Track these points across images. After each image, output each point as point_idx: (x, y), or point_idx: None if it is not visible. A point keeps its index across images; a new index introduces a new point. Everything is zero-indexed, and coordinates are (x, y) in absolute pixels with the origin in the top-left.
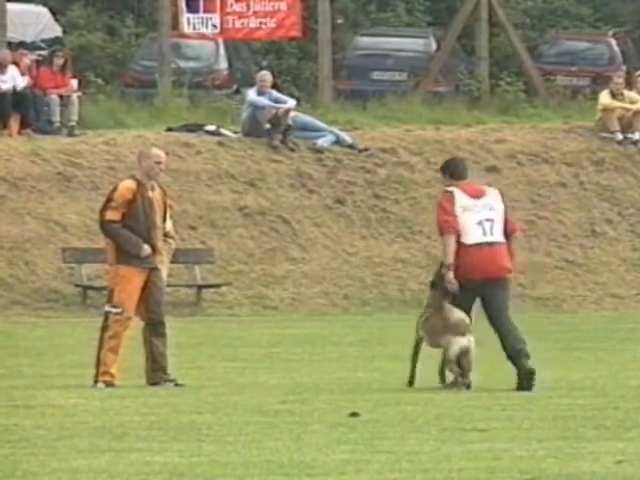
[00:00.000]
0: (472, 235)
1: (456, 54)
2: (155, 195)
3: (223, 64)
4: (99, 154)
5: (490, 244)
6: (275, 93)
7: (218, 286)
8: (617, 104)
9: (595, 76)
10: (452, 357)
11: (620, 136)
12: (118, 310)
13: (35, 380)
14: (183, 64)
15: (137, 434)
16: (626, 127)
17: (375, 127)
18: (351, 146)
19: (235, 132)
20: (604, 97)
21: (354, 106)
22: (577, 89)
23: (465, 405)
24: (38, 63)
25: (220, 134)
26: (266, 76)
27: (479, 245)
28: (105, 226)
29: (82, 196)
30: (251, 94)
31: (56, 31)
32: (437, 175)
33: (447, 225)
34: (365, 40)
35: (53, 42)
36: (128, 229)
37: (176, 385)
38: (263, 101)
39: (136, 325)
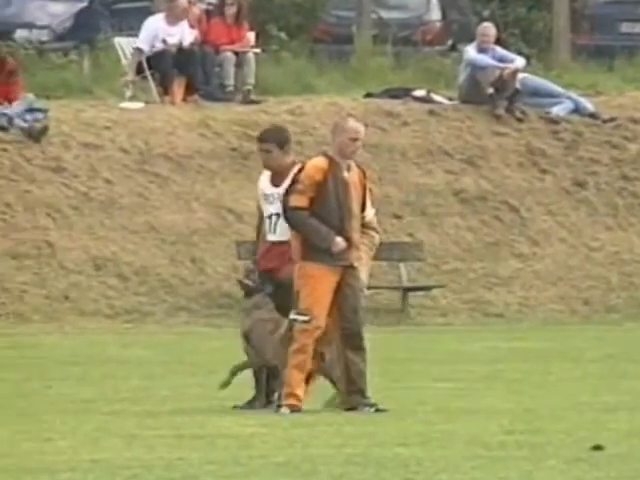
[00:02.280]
0: None
1: None
2: (352, 176)
3: (435, 14)
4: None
5: None
6: (500, 50)
7: (429, 288)
8: None
9: None
10: None
11: None
12: (305, 318)
13: (204, 404)
14: (386, 14)
15: (330, 470)
16: None
17: (623, 92)
18: (593, 115)
19: (450, 98)
20: None
21: (597, 66)
22: None
23: None
24: (208, 14)
25: (431, 101)
26: (489, 29)
27: None
28: (289, 214)
29: None
30: (470, 51)
31: None
32: None
33: None
34: None
35: None
36: (317, 218)
37: (377, 410)
38: (485, 60)
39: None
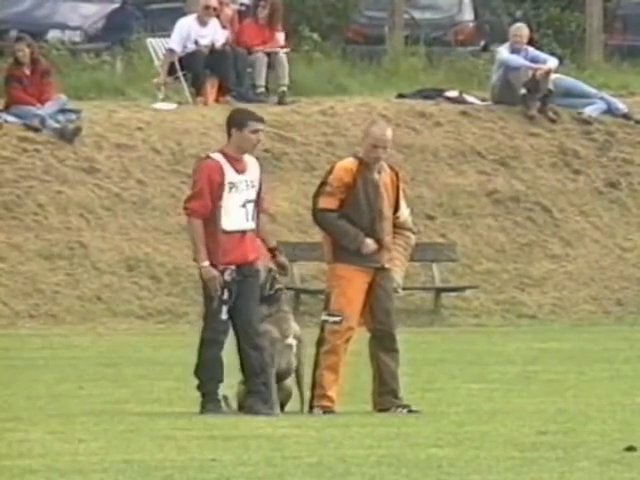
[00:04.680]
0: None
1: None
2: (383, 178)
3: (468, 15)
4: (315, 126)
5: None
6: (532, 51)
7: (462, 289)
8: None
9: None
10: None
11: None
12: (336, 319)
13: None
14: (418, 15)
15: (362, 472)
16: None
17: None
18: (626, 116)
19: (483, 99)
20: None
21: (631, 66)
22: None
23: None
24: (240, 14)
25: (464, 101)
26: (521, 30)
27: None
28: (319, 216)
29: (294, 178)
30: (503, 52)
31: None
32: None
33: None
34: None
35: None
36: (347, 219)
37: (410, 412)
38: (518, 60)
39: (361, 337)
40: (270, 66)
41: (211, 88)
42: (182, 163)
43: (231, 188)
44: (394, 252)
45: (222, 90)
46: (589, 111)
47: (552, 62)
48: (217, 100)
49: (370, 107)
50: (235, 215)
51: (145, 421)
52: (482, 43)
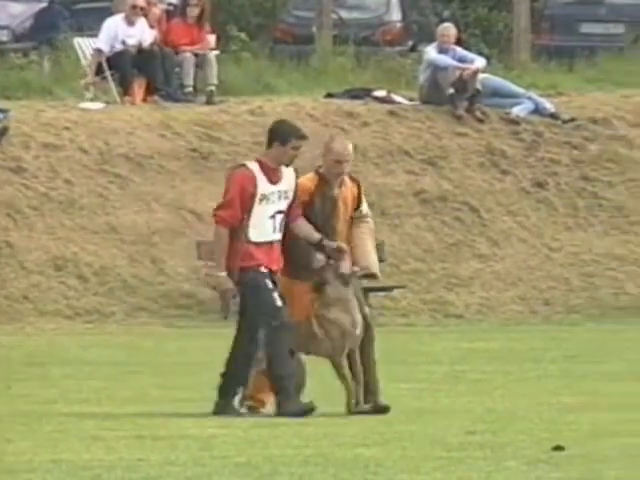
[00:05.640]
0: None
1: None
2: (344, 192)
3: (396, 15)
4: (243, 126)
5: None
6: (460, 50)
7: (389, 289)
8: None
9: None
10: None
11: None
12: None
13: (165, 405)
14: (346, 15)
15: (290, 471)
16: None
17: (584, 92)
18: (554, 116)
19: (410, 99)
20: None
21: (558, 66)
22: None
23: None
24: (168, 14)
25: (392, 101)
26: (449, 30)
27: None
28: None
29: (221, 178)
30: (430, 52)
31: None
32: None
33: None
34: None
35: None
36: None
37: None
38: (445, 60)
39: None
40: (199, 66)
41: (139, 88)
42: (110, 163)
43: (262, 200)
44: (363, 238)
45: (150, 90)
46: (517, 111)
47: (480, 62)
48: (145, 100)
49: (298, 107)
50: (263, 226)
51: (73, 421)
52: (410, 43)
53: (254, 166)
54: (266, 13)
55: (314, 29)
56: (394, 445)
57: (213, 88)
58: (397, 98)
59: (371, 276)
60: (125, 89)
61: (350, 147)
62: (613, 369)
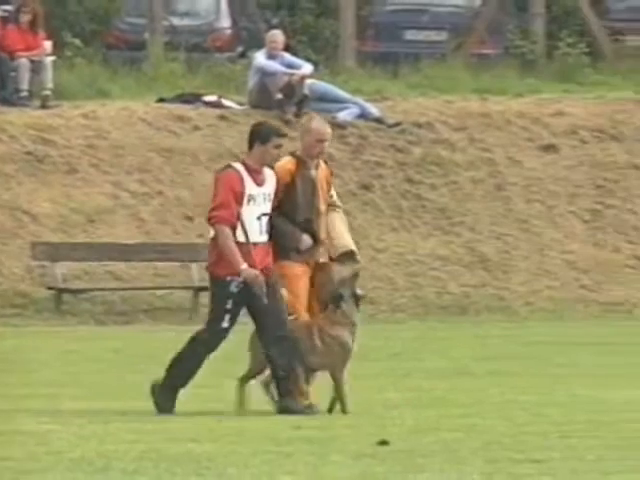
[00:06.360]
0: None
1: (506, 9)
2: (319, 174)
3: (225, 22)
4: (77, 130)
5: None
6: (288, 57)
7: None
8: None
9: None
10: None
11: None
12: (290, 317)
13: (1, 401)
14: (177, 22)
15: (123, 467)
16: None
17: (408, 97)
18: (379, 120)
19: (240, 103)
20: None
21: (383, 72)
22: None
23: (518, 432)
24: (3, 20)
25: (222, 106)
26: (277, 36)
27: None
28: None
29: (56, 180)
30: (259, 58)
31: None
32: (483, 155)
33: None
34: None
35: None
36: (286, 217)
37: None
38: (274, 66)
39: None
40: (34, 71)
41: None
42: None
43: (249, 200)
44: (338, 225)
45: None
46: (343, 115)
47: (307, 68)
48: None
49: (131, 111)
50: (249, 228)
51: None
52: (239, 49)
53: (239, 167)
54: (100, 20)
55: (146, 35)
56: (225, 441)
57: (48, 93)
58: (227, 103)
59: (351, 255)
60: None
61: (329, 127)
62: (436, 366)
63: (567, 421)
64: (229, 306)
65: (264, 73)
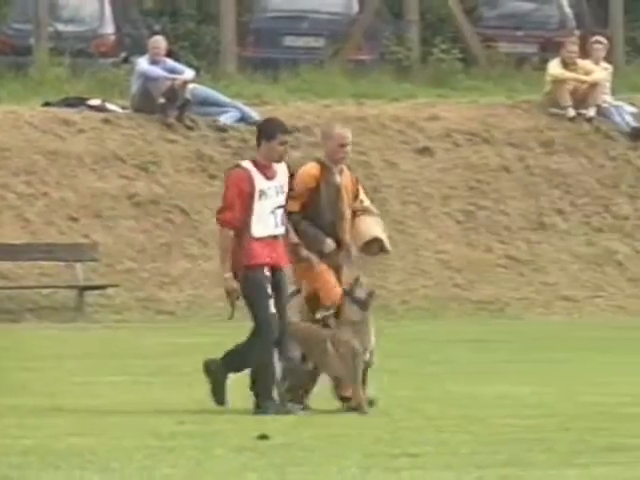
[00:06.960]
0: None
1: (382, 16)
2: (343, 180)
3: (109, 28)
4: None
5: None
6: (170, 62)
7: (103, 287)
8: (569, 75)
9: (544, 42)
10: None
11: (572, 112)
12: (332, 310)
13: None
14: (62, 27)
15: (8, 461)
16: (579, 102)
17: (287, 102)
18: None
19: (123, 107)
20: (554, 67)
21: (263, 77)
22: (523, 57)
23: (395, 427)
24: None
25: (106, 110)
26: (159, 42)
27: None
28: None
29: None
30: (142, 63)
31: None
32: (359, 158)
33: None
34: None
35: None
36: (310, 221)
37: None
38: (156, 71)
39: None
40: None
41: None
42: None
43: (261, 195)
44: (369, 222)
45: None
46: (224, 119)
47: (189, 73)
48: None
49: (17, 115)
50: (265, 222)
51: None
52: (123, 55)
53: (248, 165)
54: None
55: (32, 41)
56: (108, 436)
57: None
58: (111, 107)
59: (382, 248)
60: None
61: (349, 132)
62: None
63: (441, 416)
64: (270, 290)
65: (147, 78)
